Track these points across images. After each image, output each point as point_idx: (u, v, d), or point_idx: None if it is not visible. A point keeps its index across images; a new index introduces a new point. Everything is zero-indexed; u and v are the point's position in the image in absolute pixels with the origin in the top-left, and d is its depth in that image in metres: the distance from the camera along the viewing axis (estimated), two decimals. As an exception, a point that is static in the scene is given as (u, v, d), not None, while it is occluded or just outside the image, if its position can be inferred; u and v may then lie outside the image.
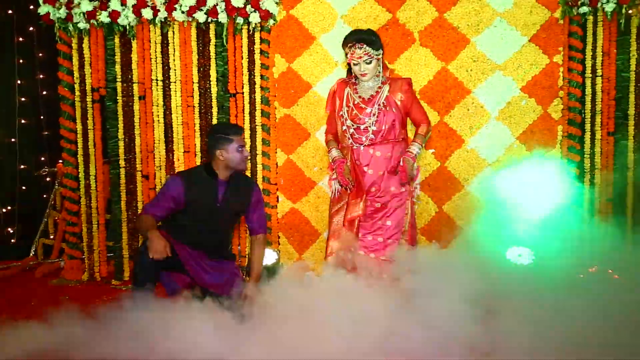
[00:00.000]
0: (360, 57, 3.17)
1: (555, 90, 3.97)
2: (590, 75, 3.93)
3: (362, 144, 3.26)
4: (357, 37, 3.18)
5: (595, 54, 3.91)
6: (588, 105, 3.95)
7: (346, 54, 3.28)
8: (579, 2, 3.82)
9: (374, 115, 3.22)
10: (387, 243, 3.29)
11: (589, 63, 3.92)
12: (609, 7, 3.81)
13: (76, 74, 4.15)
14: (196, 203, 3.15)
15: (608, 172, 3.96)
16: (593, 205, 3.98)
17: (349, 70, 3.37)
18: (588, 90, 3.94)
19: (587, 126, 3.97)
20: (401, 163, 3.23)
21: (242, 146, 3.17)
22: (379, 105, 3.23)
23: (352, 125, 3.26)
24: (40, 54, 5.01)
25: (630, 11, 3.84)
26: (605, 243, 3.70)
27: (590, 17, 3.89)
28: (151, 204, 3.20)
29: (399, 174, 3.25)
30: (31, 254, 4.63)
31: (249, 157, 3.26)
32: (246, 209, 3.33)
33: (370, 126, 3.23)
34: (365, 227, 3.31)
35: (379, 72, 3.28)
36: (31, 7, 4.71)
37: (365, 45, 3.15)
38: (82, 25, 4.08)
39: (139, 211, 4.12)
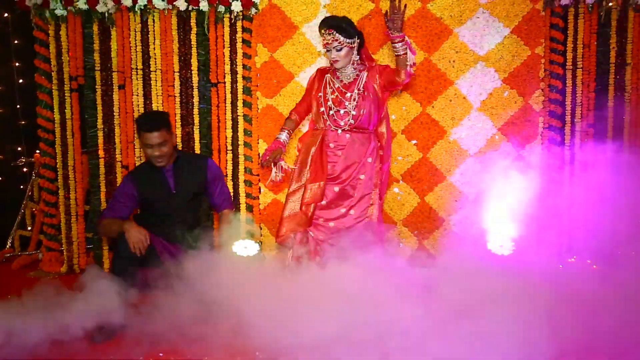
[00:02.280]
0: (329, 43, 3.16)
1: (536, 81, 4.01)
2: (571, 67, 3.97)
3: (340, 127, 3.26)
4: (327, 24, 3.17)
5: (576, 46, 3.96)
6: (569, 97, 3.99)
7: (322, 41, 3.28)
8: (561, -6, 3.84)
9: (354, 100, 3.22)
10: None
11: (569, 55, 3.96)
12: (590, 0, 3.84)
13: (53, 62, 4.07)
14: (152, 196, 3.16)
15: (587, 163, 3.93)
16: (572, 196, 3.98)
17: None
18: (569, 82, 3.98)
19: (568, 118, 4.01)
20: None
21: (150, 144, 3.09)
22: (359, 89, 3.22)
23: (333, 108, 3.26)
24: (16, 41, 4.89)
25: (610, 4, 3.87)
26: (585, 234, 3.74)
27: (572, 9, 3.93)
28: (108, 208, 3.20)
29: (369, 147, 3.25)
30: (8, 246, 4.54)
31: (161, 156, 3.13)
32: (204, 186, 3.31)
33: (350, 110, 3.23)
34: (327, 214, 3.30)
35: (355, 60, 3.25)
36: (6, -8, 4.61)
37: (334, 32, 3.13)
38: (59, 11, 3.99)
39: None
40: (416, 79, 4.06)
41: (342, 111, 3.25)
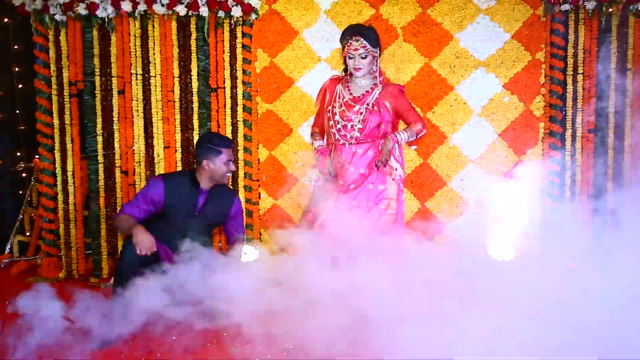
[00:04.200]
0: (357, 50, 3.16)
1: (537, 87, 4.00)
2: (572, 73, 3.95)
3: (347, 142, 3.25)
4: (355, 31, 3.19)
5: (576, 51, 3.94)
6: (569, 103, 3.97)
7: (343, 48, 3.27)
8: (561, 0, 3.84)
9: (361, 114, 3.21)
10: None
11: (570, 60, 3.94)
12: (590, 5, 3.84)
13: (53, 67, 4.06)
14: (175, 208, 3.14)
15: (589, 169, 3.98)
16: (574, 202, 3.99)
17: (345, 69, 3.37)
18: (569, 87, 3.96)
19: (568, 124, 3.99)
20: (380, 145, 3.25)
21: (230, 160, 3.17)
22: (367, 105, 3.22)
23: (340, 122, 3.24)
24: (16, 46, 4.89)
25: (610, 9, 3.86)
26: (586, 240, 3.66)
27: (572, 15, 3.92)
28: (130, 203, 3.17)
29: (374, 154, 3.26)
30: (6, 252, 4.52)
31: (231, 172, 3.24)
32: (224, 220, 3.34)
33: (356, 125, 3.22)
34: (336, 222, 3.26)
35: (374, 71, 3.27)
36: (6, -3, 4.61)
37: (362, 39, 3.15)
38: (59, 17, 3.98)
39: (119, 207, 4.07)
40: (417, 84, 4.05)
41: (348, 125, 3.24)
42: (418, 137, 3.34)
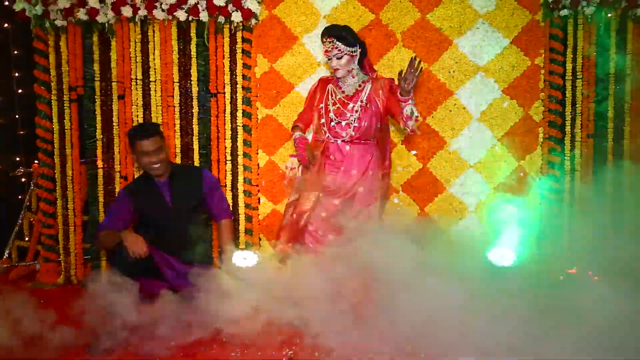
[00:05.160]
0: (330, 51, 3.18)
1: (536, 92, 4.01)
2: (571, 78, 3.96)
3: (341, 139, 3.25)
4: (328, 32, 3.20)
5: (575, 56, 3.95)
6: (568, 108, 3.98)
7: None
8: (560, 5, 3.85)
9: (356, 111, 3.21)
10: None
11: (569, 65, 3.95)
12: (589, 10, 3.85)
13: (53, 72, 4.06)
14: (149, 210, 3.15)
15: (588, 174, 3.99)
16: (573, 207, 3.99)
17: None
18: (568, 92, 3.97)
19: (568, 129, 4.00)
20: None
21: (148, 151, 3.08)
22: (362, 101, 3.22)
23: (334, 119, 3.24)
24: (16, 52, 4.89)
25: (609, 14, 3.87)
26: (585, 245, 3.72)
27: (571, 20, 3.93)
28: (106, 220, 3.18)
29: (371, 158, 3.24)
30: (5, 256, 4.50)
31: (158, 162, 3.15)
32: (202, 198, 3.29)
33: (352, 122, 3.21)
34: (326, 228, 3.25)
35: (356, 69, 3.26)
36: (6, 2, 4.61)
37: (335, 40, 3.16)
38: (60, 22, 3.98)
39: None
40: (416, 89, 3.98)
41: (343, 123, 3.24)
42: (413, 117, 3.06)
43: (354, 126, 3.21)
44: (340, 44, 3.15)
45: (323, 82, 3.39)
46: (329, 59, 3.22)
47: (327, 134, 3.28)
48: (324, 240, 3.25)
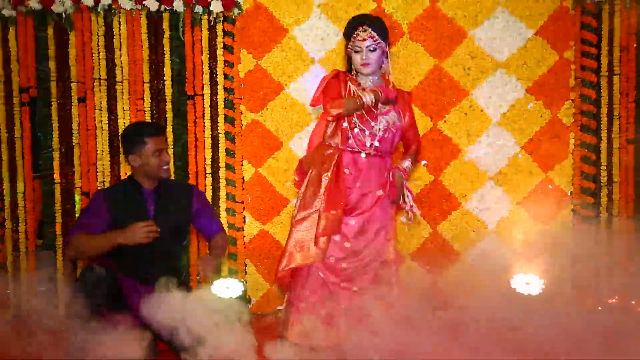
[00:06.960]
0: (364, 40, 2.90)
1: (566, 91, 3.82)
2: (607, 74, 3.77)
3: (364, 150, 2.97)
4: (363, 20, 2.98)
5: (611, 49, 3.77)
6: (604, 109, 3.80)
7: (347, 45, 3.01)
8: (593, -11, 3.68)
9: (387, 121, 2.97)
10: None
11: (604, 59, 3.76)
12: (628, -5, 3.67)
13: (0, 71, 3.75)
14: (127, 221, 2.80)
15: (628, 186, 3.80)
16: (611, 226, 3.80)
17: (349, 69, 3.09)
18: (604, 91, 3.78)
19: (603, 133, 3.81)
20: (390, 178, 3.02)
21: (159, 150, 2.92)
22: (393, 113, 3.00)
23: (358, 126, 2.96)
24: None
25: (651, -1, 3.69)
26: (628, 270, 3.53)
27: (606, 7, 3.75)
28: (79, 225, 2.86)
29: (388, 190, 3.02)
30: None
31: (168, 163, 2.98)
32: (189, 219, 3.09)
33: (377, 133, 2.95)
34: (339, 253, 2.95)
35: (383, 70, 3.02)
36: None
37: (370, 28, 2.90)
38: (7, 12, 3.66)
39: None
40: (425, 89, 3.80)
41: (367, 131, 2.95)
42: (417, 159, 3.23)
43: (379, 136, 2.95)
44: (375, 34, 2.91)
45: (343, 75, 3.06)
46: (357, 51, 2.94)
47: (351, 140, 2.96)
48: (336, 268, 2.95)
